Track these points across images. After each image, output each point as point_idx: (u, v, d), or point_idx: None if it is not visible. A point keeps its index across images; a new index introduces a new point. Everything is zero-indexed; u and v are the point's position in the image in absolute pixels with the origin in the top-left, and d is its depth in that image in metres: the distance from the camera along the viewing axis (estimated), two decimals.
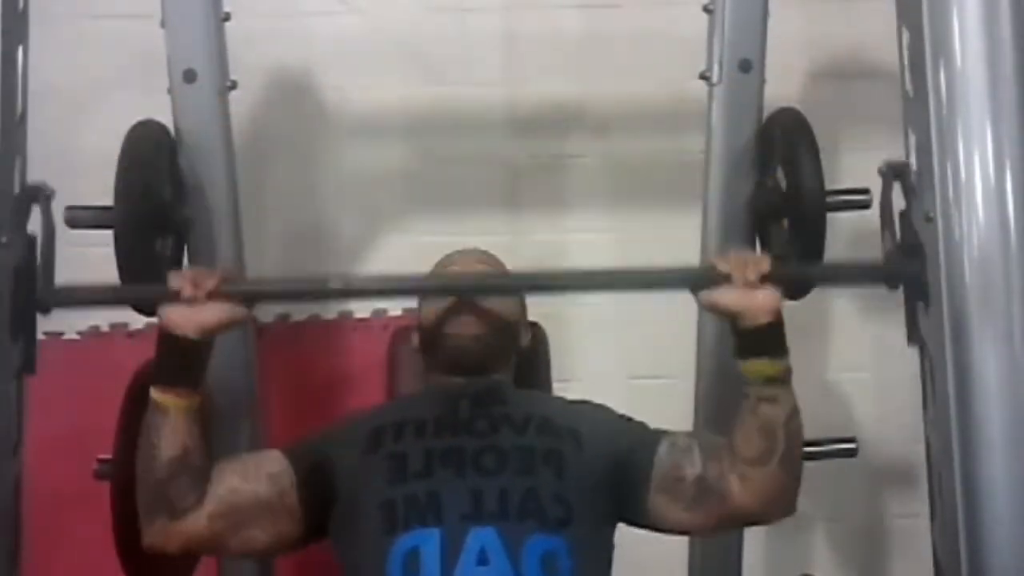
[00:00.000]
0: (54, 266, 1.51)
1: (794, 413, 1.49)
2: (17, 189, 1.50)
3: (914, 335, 1.52)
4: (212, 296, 1.46)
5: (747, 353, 1.49)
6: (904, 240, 1.51)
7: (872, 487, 2.56)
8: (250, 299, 1.53)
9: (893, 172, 1.54)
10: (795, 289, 1.70)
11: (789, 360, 1.49)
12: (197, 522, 1.47)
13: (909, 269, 1.49)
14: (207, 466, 1.49)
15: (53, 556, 2.24)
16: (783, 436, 1.47)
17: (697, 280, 1.52)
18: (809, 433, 1.53)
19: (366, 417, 1.64)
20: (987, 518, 1.38)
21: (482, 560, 1.43)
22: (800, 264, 1.71)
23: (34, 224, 1.52)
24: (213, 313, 1.46)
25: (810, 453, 1.59)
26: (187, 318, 1.46)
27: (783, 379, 1.48)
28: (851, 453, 1.89)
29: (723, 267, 1.48)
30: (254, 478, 1.51)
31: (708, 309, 1.53)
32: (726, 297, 1.48)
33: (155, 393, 1.46)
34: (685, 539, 2.07)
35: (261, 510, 1.50)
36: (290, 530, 1.53)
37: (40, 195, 1.52)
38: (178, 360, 1.47)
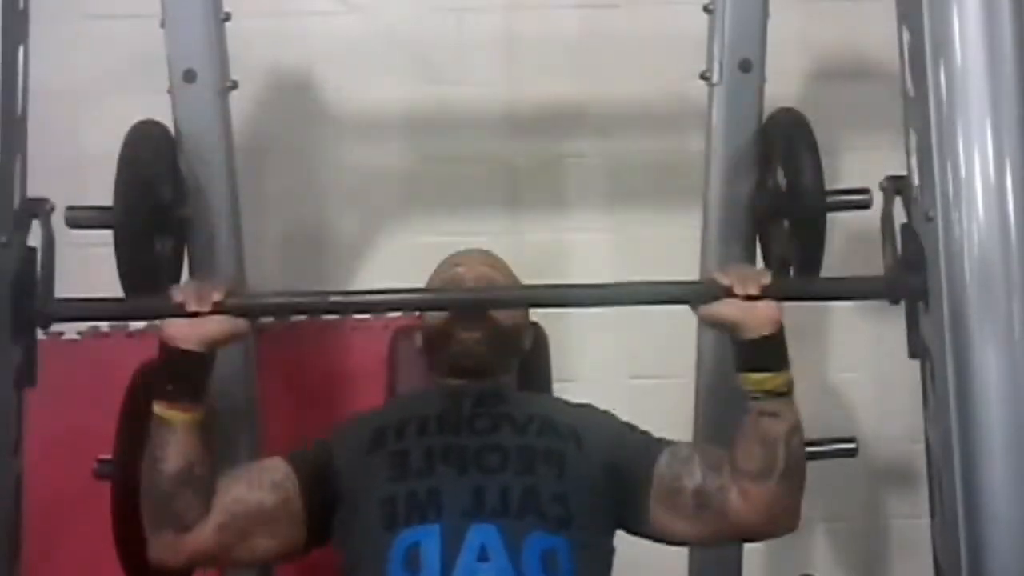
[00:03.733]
0: (54, 279, 1.51)
1: (796, 428, 1.48)
2: (17, 188, 1.50)
3: (916, 348, 1.52)
4: (215, 309, 1.46)
5: (748, 366, 1.48)
6: (905, 254, 1.51)
7: (872, 487, 2.56)
8: (253, 313, 1.53)
9: (894, 187, 1.55)
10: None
11: (791, 373, 1.48)
12: (203, 535, 1.47)
13: (911, 283, 1.49)
14: (212, 478, 1.49)
15: (53, 556, 2.24)
16: (784, 452, 1.46)
17: (697, 294, 1.52)
18: (809, 433, 1.53)
19: (369, 417, 1.64)
20: (987, 518, 1.38)
21: (482, 556, 1.44)
22: (801, 278, 1.71)
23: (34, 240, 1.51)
24: (216, 326, 1.46)
25: (810, 453, 1.59)
26: (190, 331, 1.45)
27: (785, 392, 1.48)
28: (851, 453, 1.89)
29: (723, 280, 1.48)
30: (258, 487, 1.51)
31: (708, 322, 1.53)
32: (726, 310, 1.47)
33: (159, 408, 1.45)
34: None
35: (267, 518, 1.50)
36: (296, 536, 1.53)
37: (40, 209, 1.52)
38: (181, 374, 1.46)
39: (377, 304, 1.65)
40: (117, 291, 1.65)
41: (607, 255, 2.48)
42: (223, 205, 1.83)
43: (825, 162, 1.70)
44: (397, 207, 2.49)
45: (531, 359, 1.83)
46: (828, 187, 1.70)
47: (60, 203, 1.59)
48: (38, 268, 1.49)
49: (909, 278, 1.49)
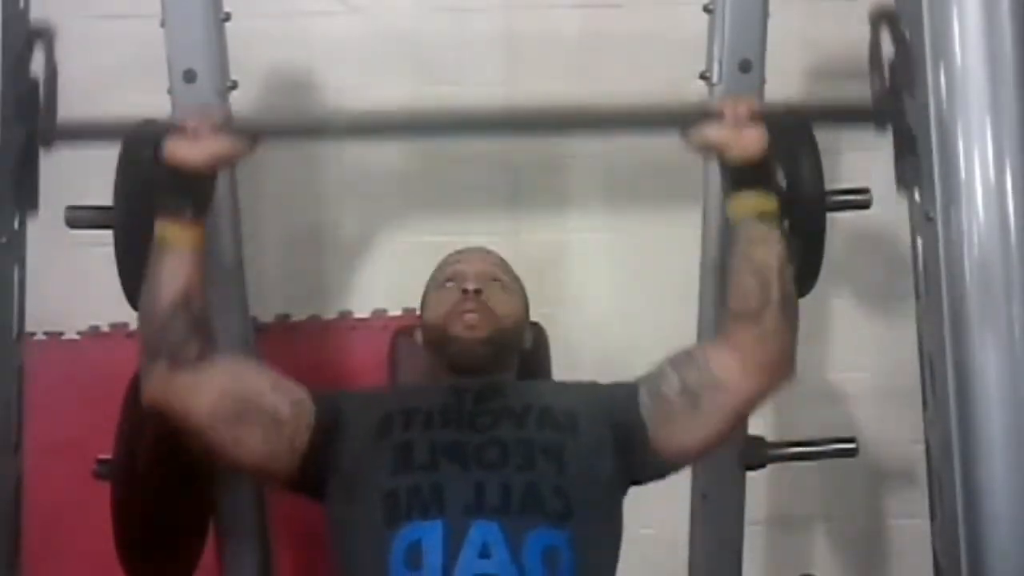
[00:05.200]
0: (56, 104, 1.52)
1: (786, 261, 1.51)
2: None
3: (903, 179, 1.53)
4: (215, 130, 1.48)
5: (738, 187, 1.52)
6: (892, 85, 1.51)
7: (872, 487, 2.56)
8: (251, 134, 1.53)
9: (882, 18, 1.54)
10: (796, 287, 1.70)
11: (777, 203, 1.52)
12: (202, 388, 1.47)
13: (896, 112, 1.50)
14: (207, 319, 1.50)
15: (53, 556, 2.24)
16: (777, 281, 1.49)
17: (688, 118, 1.53)
18: (809, 433, 1.53)
19: (377, 399, 1.64)
20: (987, 518, 1.38)
21: (484, 553, 1.43)
22: (789, 104, 1.70)
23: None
24: (217, 144, 1.49)
25: (810, 453, 1.59)
26: (191, 148, 1.48)
27: (773, 216, 1.51)
28: (851, 453, 1.89)
29: (713, 105, 1.52)
30: (281, 392, 1.53)
31: (697, 145, 1.55)
32: (716, 132, 1.51)
33: (159, 227, 1.47)
34: (685, 539, 2.07)
35: (271, 421, 1.50)
36: (283, 462, 1.52)
37: (44, 34, 1.52)
38: (182, 191, 1.48)
39: (381, 126, 1.62)
40: (117, 291, 1.65)
41: (607, 255, 2.48)
42: (223, 205, 1.83)
43: (825, 162, 1.70)
44: (397, 207, 2.49)
45: (531, 359, 1.83)
46: (828, 187, 1.70)
47: (60, 203, 1.59)
48: (41, 95, 1.50)
49: (896, 104, 1.50)
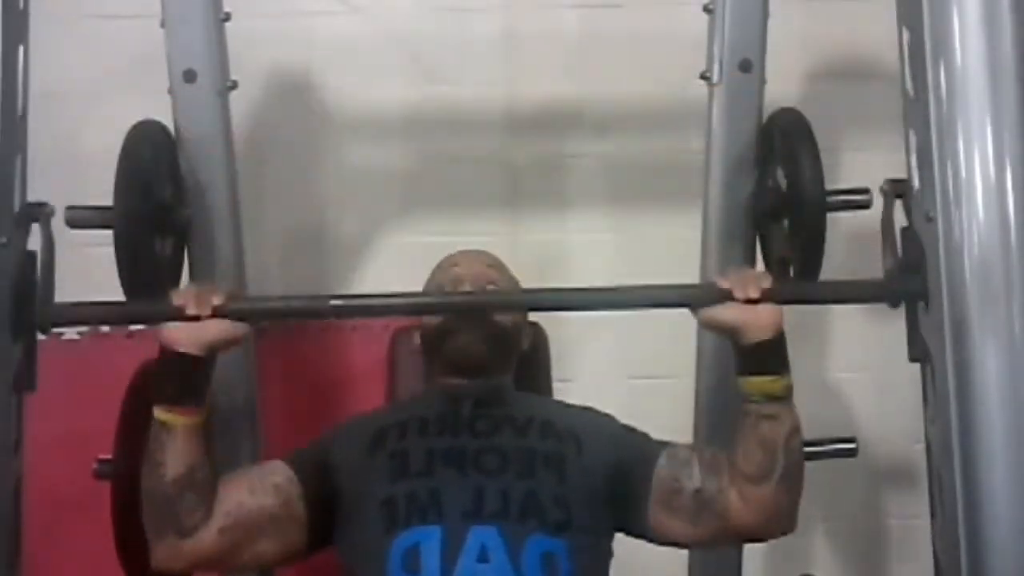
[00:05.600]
0: (54, 282, 1.50)
1: (795, 431, 1.48)
2: (18, 188, 1.49)
3: (916, 351, 1.52)
4: (215, 313, 1.46)
5: (749, 370, 1.48)
6: (906, 257, 1.51)
7: (872, 487, 2.56)
8: (252, 317, 1.53)
9: (894, 190, 1.55)
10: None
11: (791, 377, 1.48)
12: (206, 539, 1.47)
13: (910, 287, 1.49)
14: (213, 481, 1.48)
15: (53, 556, 2.24)
16: (783, 454, 1.47)
17: (697, 297, 1.52)
18: (809, 433, 1.53)
19: (370, 419, 1.64)
20: (987, 518, 1.38)
21: (482, 558, 1.44)
22: (801, 282, 1.70)
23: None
24: (216, 330, 1.46)
25: (810, 453, 1.59)
26: (189, 335, 1.45)
27: (784, 396, 1.48)
28: (851, 453, 1.89)
29: (723, 284, 1.48)
30: (260, 491, 1.51)
31: (708, 326, 1.53)
32: (726, 313, 1.47)
33: (159, 412, 1.45)
34: None
35: (269, 522, 1.50)
36: (298, 539, 1.53)
37: (40, 212, 1.51)
38: (182, 378, 1.46)
39: (376, 308, 1.64)
40: (117, 291, 1.64)
41: (607, 255, 2.48)
42: (223, 205, 1.83)
43: (825, 162, 1.70)
44: (397, 207, 2.49)
45: (531, 359, 1.83)
46: (828, 187, 1.70)
47: (60, 203, 1.59)
48: (38, 271, 1.49)
49: (909, 281, 1.49)
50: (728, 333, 1.49)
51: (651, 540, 1.56)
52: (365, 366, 2.38)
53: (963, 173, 1.39)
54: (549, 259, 2.43)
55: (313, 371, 2.46)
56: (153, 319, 1.51)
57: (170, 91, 1.78)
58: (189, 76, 1.77)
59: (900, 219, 1.57)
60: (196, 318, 1.45)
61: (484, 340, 1.62)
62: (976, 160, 1.39)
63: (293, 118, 2.46)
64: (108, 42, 2.38)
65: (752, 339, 1.47)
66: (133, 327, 2.33)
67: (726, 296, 1.47)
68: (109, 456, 1.63)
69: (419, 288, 1.75)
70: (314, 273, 2.50)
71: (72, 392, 2.24)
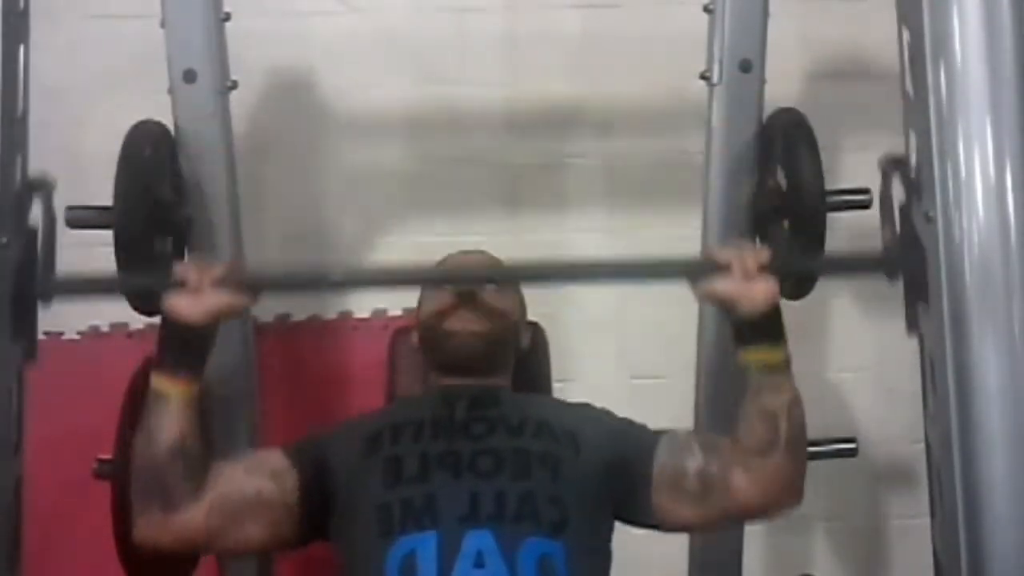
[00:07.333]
0: (55, 257, 1.51)
1: (796, 401, 1.49)
2: (18, 188, 1.50)
3: (913, 324, 1.52)
4: (216, 285, 1.46)
5: (746, 342, 1.50)
6: (904, 232, 1.51)
7: (872, 487, 2.56)
8: (253, 288, 1.53)
9: (893, 165, 1.54)
10: (794, 289, 1.70)
11: (788, 350, 1.50)
12: (194, 515, 1.46)
13: (908, 260, 1.49)
14: (204, 456, 1.49)
15: (53, 556, 2.24)
16: (785, 424, 1.47)
17: (695, 270, 1.52)
18: (809, 433, 1.53)
19: (364, 421, 1.64)
20: (987, 518, 1.38)
21: (479, 563, 1.43)
22: (799, 256, 1.71)
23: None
24: (217, 299, 1.47)
25: (810, 453, 1.59)
26: (191, 304, 1.46)
27: (783, 367, 1.49)
28: (851, 453, 1.89)
29: (721, 257, 1.49)
30: (257, 474, 1.51)
31: (705, 299, 1.54)
32: (724, 286, 1.48)
33: (155, 380, 1.46)
34: (685, 538, 2.07)
35: (261, 507, 1.50)
36: (288, 530, 1.53)
37: (41, 188, 1.52)
38: (181, 347, 1.47)
39: (375, 280, 1.63)
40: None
41: (607, 255, 2.48)
42: (223, 205, 1.83)
43: (825, 162, 1.70)
44: (397, 207, 2.49)
45: (531, 359, 1.83)
46: (828, 187, 1.70)
47: (60, 203, 1.59)
48: (39, 248, 1.49)
49: (907, 254, 1.49)
50: (726, 306, 1.50)
51: (654, 527, 1.56)
52: (365, 366, 2.38)
53: (963, 173, 1.39)
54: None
55: (313, 370, 2.46)
56: (154, 290, 1.51)
57: (170, 91, 1.78)
58: (189, 76, 1.77)
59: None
60: (198, 289, 1.46)
61: (482, 335, 1.62)
62: (976, 160, 1.39)
63: (293, 118, 2.46)
64: (108, 42, 2.38)
65: (749, 311, 1.47)
66: (133, 327, 2.33)
67: (724, 270, 1.48)
68: (109, 456, 1.63)
69: (419, 289, 1.76)
70: (316, 264, 2.49)
71: (72, 392, 2.25)
